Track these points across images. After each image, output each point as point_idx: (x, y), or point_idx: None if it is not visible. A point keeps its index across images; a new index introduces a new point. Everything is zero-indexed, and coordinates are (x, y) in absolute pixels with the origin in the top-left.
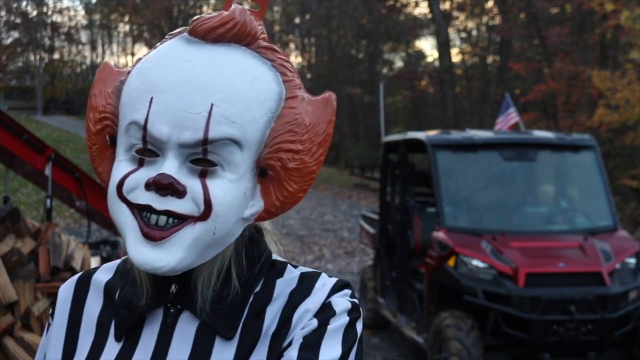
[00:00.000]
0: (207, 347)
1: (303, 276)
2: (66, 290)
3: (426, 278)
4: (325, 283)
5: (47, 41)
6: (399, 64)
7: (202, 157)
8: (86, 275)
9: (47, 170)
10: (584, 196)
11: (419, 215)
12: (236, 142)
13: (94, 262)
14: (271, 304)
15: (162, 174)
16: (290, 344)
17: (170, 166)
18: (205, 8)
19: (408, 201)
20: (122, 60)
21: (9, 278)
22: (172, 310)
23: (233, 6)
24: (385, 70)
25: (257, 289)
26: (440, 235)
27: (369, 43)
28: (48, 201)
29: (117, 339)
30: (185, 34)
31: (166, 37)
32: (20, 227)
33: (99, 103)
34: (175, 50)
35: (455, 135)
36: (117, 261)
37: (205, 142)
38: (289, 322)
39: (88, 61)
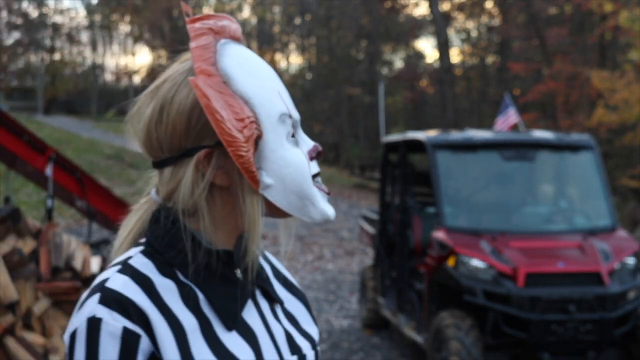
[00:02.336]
0: (277, 313)
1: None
2: (137, 295)
3: (426, 278)
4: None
5: (48, 42)
6: (398, 64)
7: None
8: (144, 277)
9: (48, 171)
10: (583, 196)
11: (419, 215)
12: None
13: (95, 262)
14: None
15: (315, 144)
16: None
17: (307, 139)
18: (205, 8)
19: (408, 201)
20: (123, 61)
21: (10, 278)
22: (255, 290)
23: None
24: (385, 71)
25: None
26: (440, 235)
27: (369, 43)
28: (49, 201)
29: (228, 329)
30: (228, 39)
31: (217, 45)
32: (21, 227)
33: (230, 115)
34: (247, 51)
35: (455, 135)
36: (141, 258)
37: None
38: (283, 276)
39: (89, 62)
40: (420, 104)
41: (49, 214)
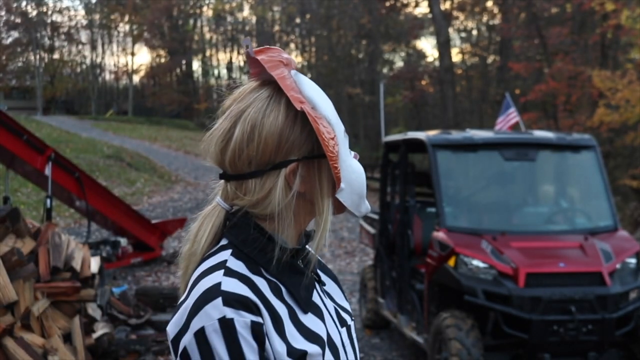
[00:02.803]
0: (324, 292)
1: None
2: (248, 291)
3: (426, 278)
4: None
5: (47, 41)
6: (399, 63)
7: None
8: (246, 277)
9: (47, 170)
10: (584, 196)
11: (419, 215)
12: None
13: (94, 262)
14: None
15: (355, 153)
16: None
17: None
18: (205, 8)
19: (408, 201)
20: (122, 60)
21: (9, 278)
22: (315, 280)
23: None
24: (385, 70)
25: None
26: (440, 235)
27: (369, 43)
28: (48, 201)
29: (305, 312)
30: (294, 70)
31: (293, 76)
32: (20, 227)
33: (327, 134)
34: (307, 79)
35: (456, 135)
36: (233, 260)
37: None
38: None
39: (88, 61)
40: (421, 104)
41: (48, 214)
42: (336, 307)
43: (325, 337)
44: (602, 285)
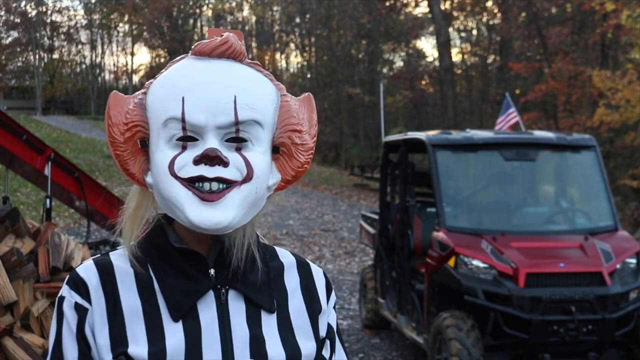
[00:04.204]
0: (258, 319)
1: (296, 256)
2: (92, 276)
3: (426, 278)
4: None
5: (46, 41)
6: (399, 63)
7: (235, 135)
8: (105, 264)
9: (47, 170)
10: (585, 196)
11: (419, 215)
12: (258, 123)
13: None
14: (286, 273)
15: (209, 148)
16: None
17: (213, 143)
18: (205, 8)
19: (408, 201)
20: (122, 60)
21: (9, 278)
22: (222, 291)
23: (226, 33)
24: (385, 70)
25: (270, 262)
26: (440, 235)
27: (369, 43)
28: (47, 201)
29: (175, 320)
30: (190, 55)
31: (170, 62)
32: (20, 227)
33: (121, 119)
34: (190, 64)
35: (455, 135)
36: (122, 251)
37: (237, 123)
38: (312, 291)
39: (87, 61)
40: (421, 104)
41: (48, 213)
42: (264, 337)
43: (168, 350)
44: (602, 285)
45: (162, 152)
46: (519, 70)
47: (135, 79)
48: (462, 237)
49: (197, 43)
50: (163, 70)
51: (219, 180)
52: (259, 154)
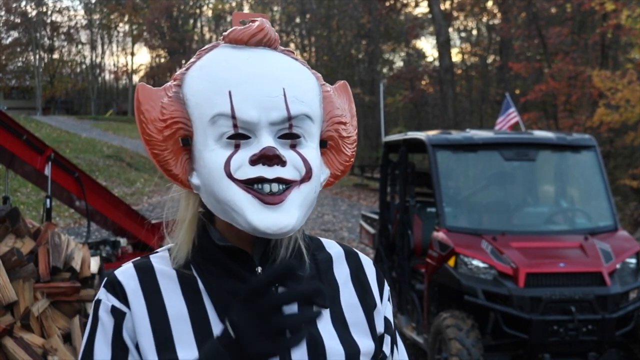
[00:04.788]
0: (311, 316)
1: (344, 246)
2: (130, 280)
3: (426, 278)
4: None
5: (46, 41)
6: (399, 63)
7: (289, 131)
8: (145, 267)
9: (47, 170)
10: (585, 196)
11: (419, 215)
12: (309, 117)
13: (94, 262)
14: (335, 264)
15: (267, 147)
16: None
17: (268, 141)
18: (205, 8)
19: (408, 201)
20: (122, 60)
21: (9, 278)
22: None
23: (259, 18)
24: (385, 70)
25: (318, 255)
26: (440, 235)
27: (369, 43)
28: (48, 201)
29: (222, 319)
30: (224, 43)
31: (200, 51)
32: (20, 227)
33: (156, 115)
34: (229, 53)
35: (455, 135)
36: (163, 252)
37: (289, 118)
38: (363, 282)
39: (87, 61)
40: (421, 104)
41: (48, 213)
42: (320, 334)
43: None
44: (602, 285)
45: (213, 152)
46: (519, 70)
47: (136, 79)
48: (462, 237)
49: (230, 30)
50: (193, 59)
51: (278, 181)
52: (313, 150)
